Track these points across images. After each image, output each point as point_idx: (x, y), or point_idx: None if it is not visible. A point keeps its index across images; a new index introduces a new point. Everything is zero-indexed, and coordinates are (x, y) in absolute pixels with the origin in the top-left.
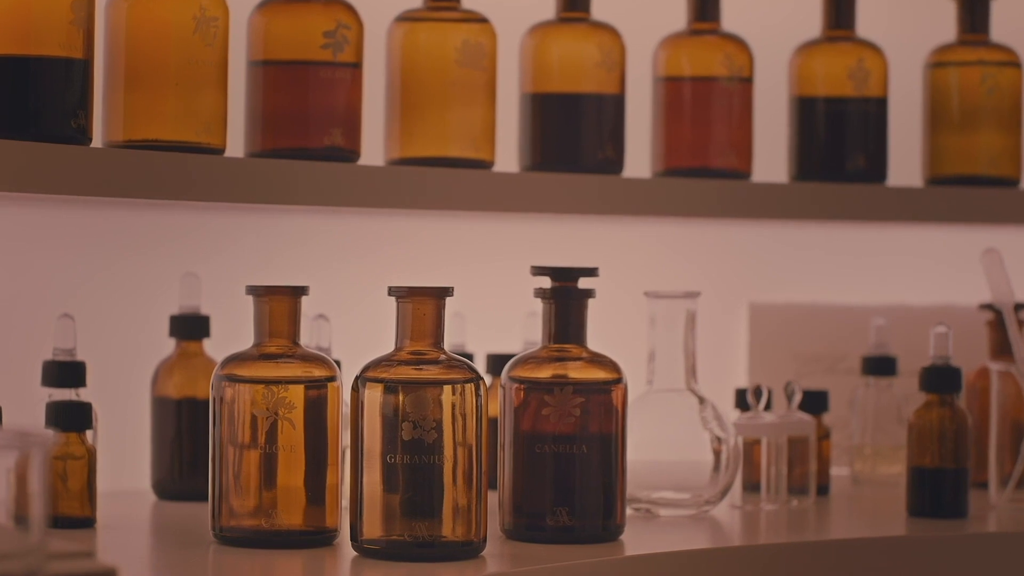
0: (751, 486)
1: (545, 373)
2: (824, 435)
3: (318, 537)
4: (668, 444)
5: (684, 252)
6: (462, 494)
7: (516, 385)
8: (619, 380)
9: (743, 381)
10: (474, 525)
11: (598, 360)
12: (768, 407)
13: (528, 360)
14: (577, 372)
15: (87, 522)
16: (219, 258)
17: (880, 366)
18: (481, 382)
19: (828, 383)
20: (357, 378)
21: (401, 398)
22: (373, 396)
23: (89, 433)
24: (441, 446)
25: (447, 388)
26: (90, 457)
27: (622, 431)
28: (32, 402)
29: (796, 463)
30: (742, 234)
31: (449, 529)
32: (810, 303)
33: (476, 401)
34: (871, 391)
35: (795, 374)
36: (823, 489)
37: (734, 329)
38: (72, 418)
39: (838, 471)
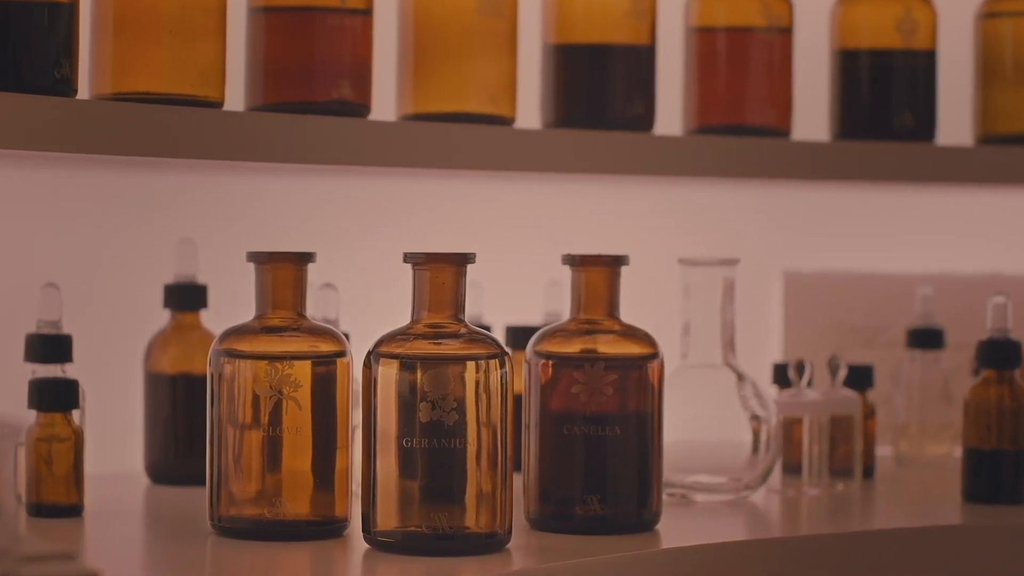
0: (791, 468)
1: (574, 347)
2: (869, 413)
3: (326, 528)
4: (704, 424)
5: (711, 216)
6: (486, 481)
7: (543, 361)
8: (655, 355)
9: (776, 355)
10: (499, 515)
11: (632, 333)
12: (809, 383)
13: (556, 333)
14: (609, 346)
15: (74, 510)
16: (217, 222)
17: (926, 338)
18: (507, 357)
19: (867, 357)
20: (370, 353)
21: (419, 375)
22: (388, 373)
23: (76, 413)
24: (463, 428)
25: (469, 364)
26: (77, 439)
27: (658, 411)
28: (14, 379)
29: (839, 443)
30: (775, 196)
31: (472, 520)
32: (849, 271)
33: (501, 379)
34: (916, 365)
35: (832, 347)
36: (868, 471)
37: (767, 299)
38: (57, 397)
39: (881, 451)
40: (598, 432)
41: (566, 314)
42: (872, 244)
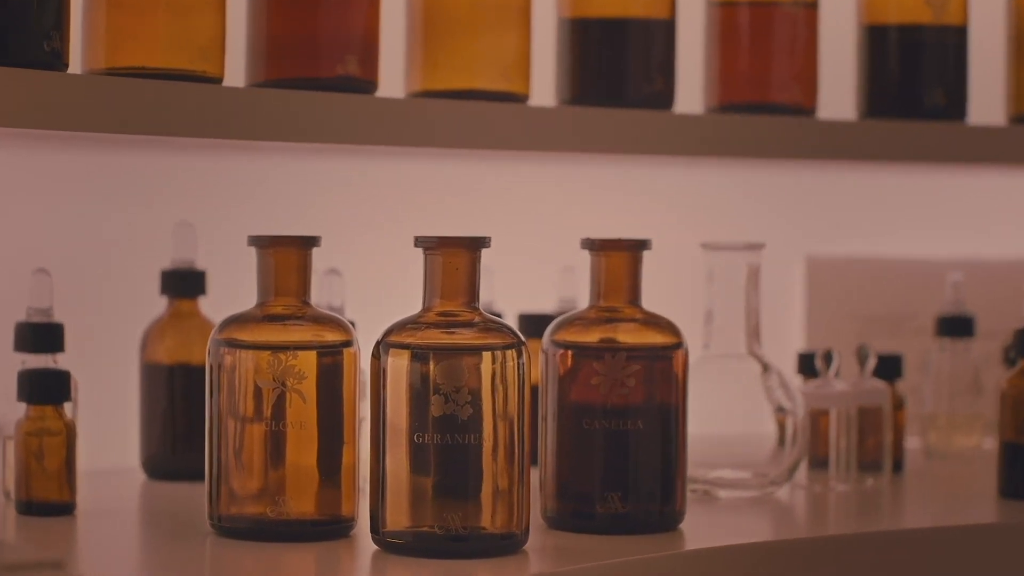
0: (817, 462)
1: (593, 336)
2: (898, 404)
3: (332, 528)
4: (727, 416)
5: (729, 198)
6: (502, 479)
7: (561, 351)
8: (679, 344)
9: (798, 343)
10: (516, 515)
11: (654, 322)
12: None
13: (574, 321)
14: (631, 336)
15: (66, 508)
16: (217, 205)
17: (956, 327)
18: (523, 347)
19: (893, 346)
20: (379, 343)
21: (431, 367)
22: (398, 365)
23: (68, 406)
24: (477, 423)
25: (485, 355)
26: (69, 433)
27: (683, 403)
28: (3, 370)
29: (867, 436)
30: (797, 178)
31: (487, 520)
32: (875, 256)
33: (518, 370)
34: (946, 355)
35: (855, 335)
36: (896, 465)
37: (788, 286)
38: (48, 388)
39: (907, 443)
40: (619, 426)
41: (580, 301)
42: (899, 228)
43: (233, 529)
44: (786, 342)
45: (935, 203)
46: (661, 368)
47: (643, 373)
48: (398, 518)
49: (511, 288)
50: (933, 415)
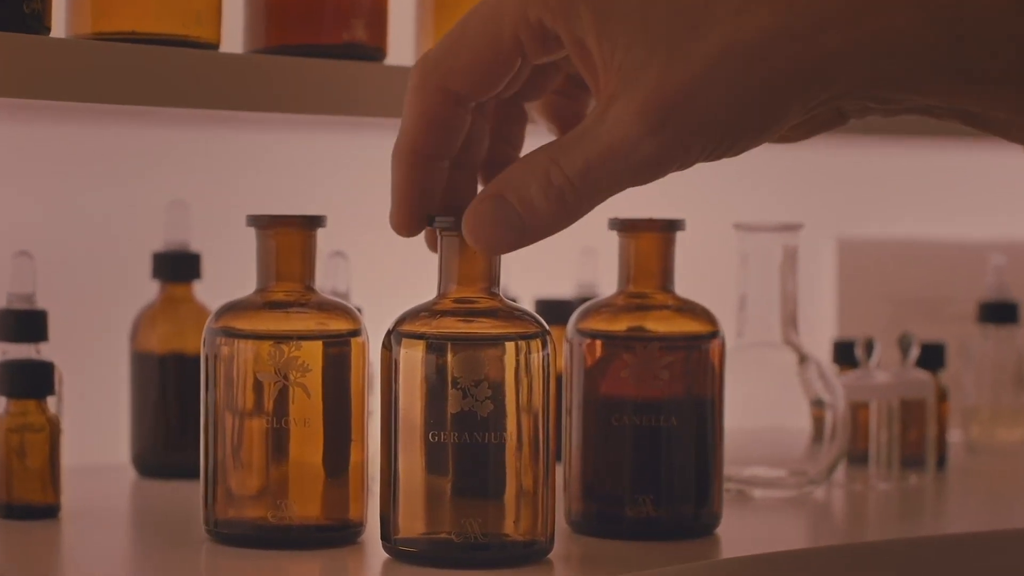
0: (855, 458)
1: (623, 325)
2: (941, 396)
3: (339, 534)
4: (761, 409)
5: (754, 176)
6: (526, 482)
7: (587, 340)
8: (715, 333)
9: (829, 329)
10: (540, 521)
11: (688, 309)
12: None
13: (601, 309)
14: (663, 324)
15: (49, 510)
16: (213, 182)
17: (999, 313)
18: (548, 337)
19: (930, 333)
20: (390, 333)
21: (448, 359)
22: (412, 356)
23: (52, 400)
24: (498, 420)
25: (507, 346)
26: (52, 429)
27: (719, 398)
28: None
29: (909, 430)
30: (826, 154)
31: (510, 526)
32: (910, 238)
33: (543, 362)
34: (989, 343)
35: (889, 322)
36: (939, 461)
37: (818, 270)
38: (31, 381)
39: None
40: (651, 422)
41: (601, 285)
42: (937, 207)
43: (231, 535)
44: (816, 329)
45: (976, 180)
46: (697, 359)
47: (677, 365)
48: (412, 524)
49: (526, 272)
50: (975, 407)
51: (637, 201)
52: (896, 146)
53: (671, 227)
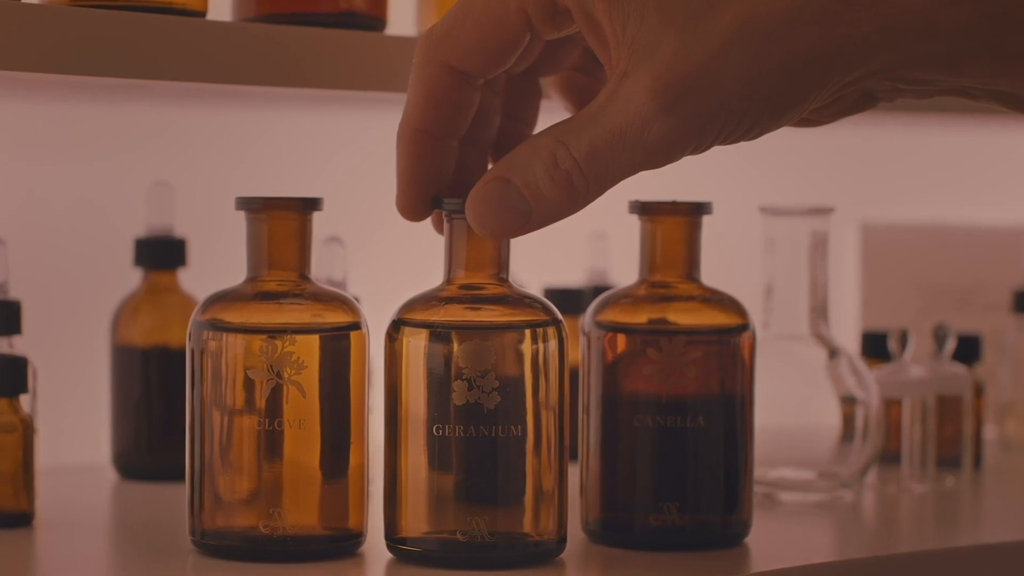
0: (887, 457)
1: (645, 317)
2: (978, 391)
3: (336, 545)
4: (787, 406)
5: (774, 158)
6: (536, 478)
7: (606, 334)
8: (745, 326)
9: (853, 319)
10: (551, 520)
11: (716, 299)
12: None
13: (621, 299)
14: (689, 316)
15: (23, 518)
16: (199, 163)
17: None
18: (561, 326)
19: (960, 323)
20: (394, 322)
21: (454, 348)
22: (416, 346)
23: (25, 397)
24: (507, 413)
25: (516, 334)
26: (26, 429)
27: (750, 396)
28: None
29: (944, 427)
30: (849, 135)
31: (518, 524)
32: (939, 222)
33: (554, 352)
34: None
35: (916, 312)
36: (975, 459)
37: (841, 256)
38: (2, 377)
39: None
40: (677, 423)
41: (613, 273)
42: (967, 190)
43: (219, 547)
44: (840, 319)
45: (1008, 162)
46: (726, 354)
47: (705, 360)
48: (415, 523)
49: (534, 258)
50: (1011, 402)
51: (651, 184)
52: (923, 125)
53: (698, 211)
